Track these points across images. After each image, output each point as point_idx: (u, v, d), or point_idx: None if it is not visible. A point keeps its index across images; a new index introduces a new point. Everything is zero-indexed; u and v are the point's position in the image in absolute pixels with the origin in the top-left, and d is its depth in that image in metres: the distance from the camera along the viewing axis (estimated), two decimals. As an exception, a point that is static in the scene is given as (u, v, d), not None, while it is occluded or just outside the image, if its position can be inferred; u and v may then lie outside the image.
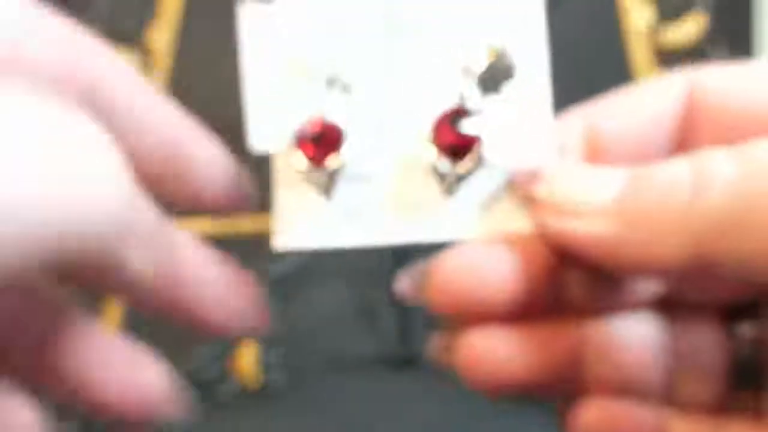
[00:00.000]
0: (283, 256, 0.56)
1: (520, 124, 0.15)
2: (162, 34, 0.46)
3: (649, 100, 0.15)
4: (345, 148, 0.14)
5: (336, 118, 0.14)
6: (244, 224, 0.52)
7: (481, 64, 0.14)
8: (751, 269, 0.11)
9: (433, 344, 0.16)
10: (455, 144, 0.14)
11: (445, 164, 0.14)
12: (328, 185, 0.15)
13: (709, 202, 0.11)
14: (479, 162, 0.14)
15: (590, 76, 0.92)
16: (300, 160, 0.14)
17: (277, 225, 0.16)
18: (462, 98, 0.14)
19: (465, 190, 0.15)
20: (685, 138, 0.15)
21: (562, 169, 0.14)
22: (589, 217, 0.12)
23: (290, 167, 0.15)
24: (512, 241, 0.14)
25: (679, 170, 0.12)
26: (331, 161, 0.14)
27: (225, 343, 0.53)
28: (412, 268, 0.15)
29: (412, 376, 0.62)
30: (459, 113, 0.14)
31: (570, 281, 0.14)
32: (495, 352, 0.14)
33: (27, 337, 0.13)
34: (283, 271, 0.55)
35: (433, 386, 0.60)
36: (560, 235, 0.13)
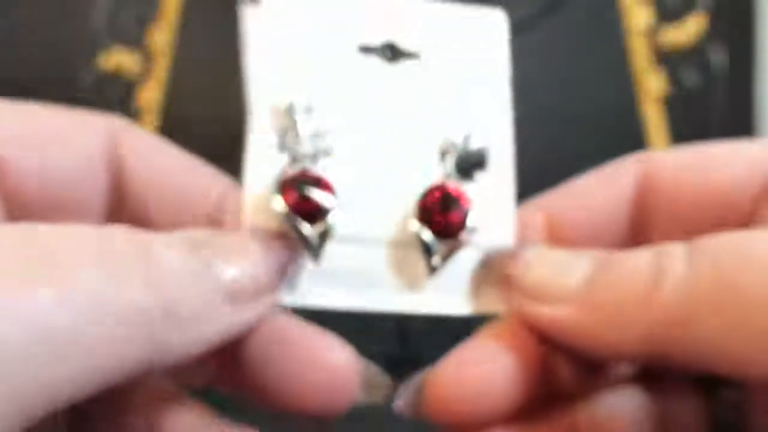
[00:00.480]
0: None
1: (487, 208, 0.16)
2: (162, 34, 0.46)
3: (605, 186, 0.16)
4: (333, 213, 0.15)
5: (328, 177, 0.15)
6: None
7: (456, 151, 0.16)
8: (699, 362, 0.12)
9: None
10: (444, 225, 0.15)
11: (432, 242, 0.15)
12: (316, 247, 0.15)
13: (660, 299, 0.12)
14: (463, 242, 0.15)
15: (591, 77, 0.92)
16: (280, 205, 0.14)
17: None
18: (444, 178, 0.15)
19: (449, 266, 0.15)
20: (640, 221, 0.16)
21: (533, 252, 0.14)
22: (555, 303, 0.13)
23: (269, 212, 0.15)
24: (499, 335, 0.14)
25: (638, 264, 0.12)
26: (319, 225, 0.15)
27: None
28: (407, 385, 0.16)
29: (412, 372, 0.62)
30: (445, 195, 0.15)
31: (557, 365, 0.14)
32: None
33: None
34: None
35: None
36: (532, 318, 0.14)
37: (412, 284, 0.16)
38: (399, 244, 0.16)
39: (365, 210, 0.15)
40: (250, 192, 0.15)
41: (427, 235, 0.15)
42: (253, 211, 0.15)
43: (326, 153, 0.15)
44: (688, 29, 0.42)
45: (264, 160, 0.15)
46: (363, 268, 0.16)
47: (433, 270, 0.15)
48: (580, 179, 0.17)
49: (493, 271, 0.15)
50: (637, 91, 0.44)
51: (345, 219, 0.15)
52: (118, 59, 0.43)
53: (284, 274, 0.14)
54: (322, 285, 0.16)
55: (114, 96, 0.44)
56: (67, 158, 0.14)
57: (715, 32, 0.43)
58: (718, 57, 0.41)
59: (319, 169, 0.15)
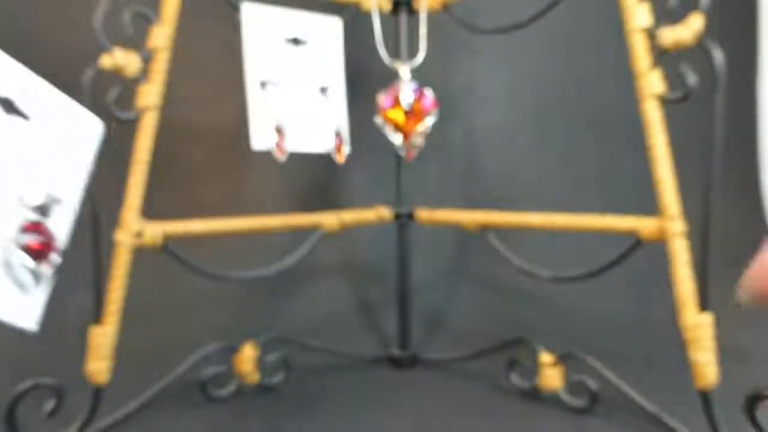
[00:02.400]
0: (283, 255, 0.56)
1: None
2: (162, 35, 0.46)
3: None
4: None
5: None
6: (240, 224, 0.52)
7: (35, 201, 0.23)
8: None
9: None
10: (37, 249, 0.21)
11: (29, 263, 0.21)
12: None
13: None
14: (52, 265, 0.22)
15: (591, 76, 0.91)
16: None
17: None
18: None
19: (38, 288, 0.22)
20: None
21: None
22: None
23: None
24: None
25: None
26: None
27: (225, 343, 0.53)
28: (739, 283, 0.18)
29: (411, 376, 0.62)
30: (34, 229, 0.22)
31: None
32: None
33: None
34: (283, 270, 0.55)
35: (432, 385, 0.60)
36: None
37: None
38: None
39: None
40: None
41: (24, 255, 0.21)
42: None
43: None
44: (689, 28, 0.42)
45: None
46: None
47: (22, 285, 0.22)
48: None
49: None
50: (636, 90, 0.44)
51: None
52: (118, 59, 0.43)
53: None
54: None
55: (114, 96, 0.44)
56: None
57: (715, 32, 0.43)
58: (719, 56, 0.41)
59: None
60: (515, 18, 0.55)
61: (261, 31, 0.50)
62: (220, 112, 0.74)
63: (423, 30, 0.56)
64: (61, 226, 0.23)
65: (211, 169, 0.77)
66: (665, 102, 0.43)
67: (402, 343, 0.63)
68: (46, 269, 0.21)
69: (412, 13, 0.60)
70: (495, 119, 0.88)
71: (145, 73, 0.46)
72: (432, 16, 0.58)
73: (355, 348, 0.64)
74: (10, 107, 0.21)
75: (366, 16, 0.57)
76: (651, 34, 0.43)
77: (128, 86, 0.45)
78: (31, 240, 0.21)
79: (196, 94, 0.73)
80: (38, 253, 0.21)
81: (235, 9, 0.50)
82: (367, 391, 0.55)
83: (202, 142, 0.76)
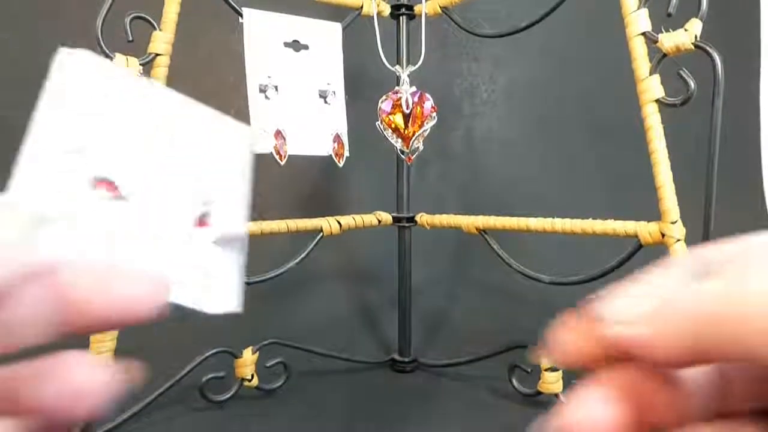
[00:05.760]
0: (283, 259, 0.56)
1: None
2: (162, 40, 0.46)
3: None
4: None
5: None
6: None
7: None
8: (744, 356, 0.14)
9: None
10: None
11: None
12: None
13: (702, 316, 0.15)
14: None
15: (591, 78, 0.91)
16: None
17: None
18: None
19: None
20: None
21: (618, 292, 0.17)
22: (632, 324, 0.16)
23: None
24: (600, 382, 0.17)
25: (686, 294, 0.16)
26: None
27: (225, 347, 0.53)
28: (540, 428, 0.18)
29: (412, 380, 0.62)
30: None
31: (656, 403, 0.17)
32: None
33: None
34: (284, 271, 0.55)
35: (432, 390, 0.60)
36: (614, 339, 0.17)
37: None
38: None
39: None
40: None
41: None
42: None
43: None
44: (688, 32, 0.42)
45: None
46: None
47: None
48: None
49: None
50: (637, 93, 0.44)
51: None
52: (119, 62, 0.43)
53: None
54: None
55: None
56: None
57: (714, 35, 0.43)
58: (718, 59, 0.41)
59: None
60: (515, 22, 0.55)
61: (262, 36, 0.50)
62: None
63: (423, 34, 0.56)
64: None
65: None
66: (665, 106, 0.43)
67: (402, 348, 0.63)
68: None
69: (412, 17, 0.60)
70: (495, 123, 0.88)
71: (145, 75, 0.46)
72: (432, 20, 0.58)
73: (356, 352, 0.64)
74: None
75: (366, 21, 0.57)
76: (651, 39, 0.43)
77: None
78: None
79: (196, 97, 0.73)
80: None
81: (238, 14, 0.50)
82: (367, 395, 0.55)
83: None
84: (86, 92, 0.19)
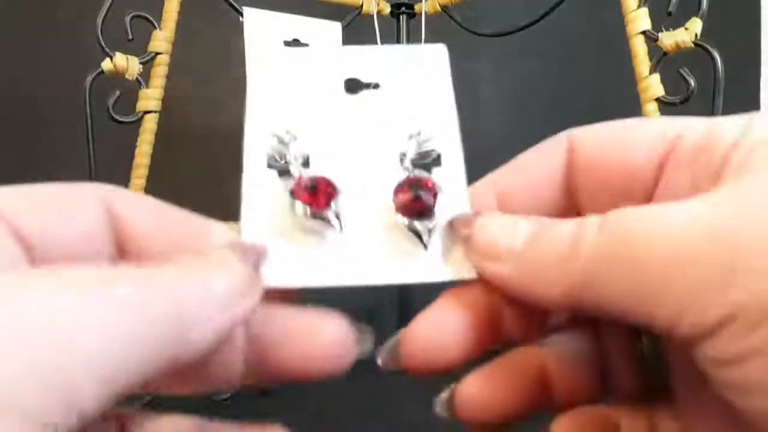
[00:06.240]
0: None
1: (446, 193, 0.19)
2: (162, 39, 0.46)
3: (542, 162, 0.19)
4: (338, 200, 0.18)
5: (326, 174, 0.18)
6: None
7: (412, 153, 0.19)
8: (610, 313, 0.14)
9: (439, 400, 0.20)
10: (420, 208, 0.18)
11: (418, 224, 0.18)
12: (323, 230, 0.18)
13: (576, 263, 0.15)
14: (435, 218, 0.18)
15: (591, 77, 0.91)
16: (300, 207, 0.18)
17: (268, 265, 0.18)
18: (407, 170, 0.19)
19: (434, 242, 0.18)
20: (572, 190, 0.19)
21: (486, 216, 0.17)
22: (500, 261, 0.16)
23: (283, 216, 0.18)
24: (454, 295, 0.17)
25: (561, 232, 0.15)
26: (330, 209, 0.18)
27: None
28: (386, 344, 0.19)
29: (411, 381, 0.62)
30: (413, 183, 0.18)
31: (506, 319, 0.17)
32: (480, 394, 0.18)
33: None
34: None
35: (433, 390, 0.60)
36: (482, 273, 0.17)
37: (405, 260, 0.18)
38: (385, 231, 0.18)
39: (356, 200, 0.19)
40: (247, 203, 0.19)
41: (414, 222, 0.18)
42: (256, 225, 0.19)
43: (306, 168, 0.19)
44: (689, 31, 0.42)
45: (257, 177, 0.19)
46: (362, 253, 0.19)
47: (426, 247, 0.18)
48: (522, 156, 0.20)
49: (453, 236, 0.18)
50: (637, 93, 0.44)
51: (343, 208, 0.18)
52: (119, 62, 0.43)
53: (258, 272, 0.16)
54: (332, 268, 0.19)
55: (115, 98, 0.44)
56: (73, 229, 0.16)
57: (714, 34, 0.43)
58: (718, 58, 0.41)
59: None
60: (515, 21, 0.55)
61: (262, 36, 0.50)
62: (220, 114, 0.75)
63: (423, 33, 0.56)
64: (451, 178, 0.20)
65: (212, 172, 0.77)
66: (665, 105, 0.43)
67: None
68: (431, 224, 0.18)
69: (413, 16, 0.60)
70: (496, 122, 0.88)
71: (145, 77, 0.46)
72: (432, 19, 0.58)
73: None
74: (357, 85, 0.20)
75: (366, 20, 0.57)
76: (651, 38, 0.43)
77: (129, 90, 0.45)
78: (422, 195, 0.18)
79: (196, 97, 0.73)
80: (425, 211, 0.18)
81: (238, 13, 0.50)
82: (367, 395, 0.55)
83: (203, 145, 0.76)
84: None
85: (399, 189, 0.18)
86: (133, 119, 0.46)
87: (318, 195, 0.18)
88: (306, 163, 0.19)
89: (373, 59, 0.21)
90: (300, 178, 0.18)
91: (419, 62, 0.21)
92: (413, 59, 0.21)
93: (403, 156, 0.19)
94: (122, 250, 0.16)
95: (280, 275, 0.18)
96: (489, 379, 0.18)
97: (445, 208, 0.18)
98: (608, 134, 0.18)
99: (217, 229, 0.18)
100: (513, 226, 0.16)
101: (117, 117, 0.44)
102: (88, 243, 0.16)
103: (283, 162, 0.19)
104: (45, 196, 0.16)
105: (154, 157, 0.47)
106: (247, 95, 0.20)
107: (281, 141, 0.19)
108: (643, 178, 0.17)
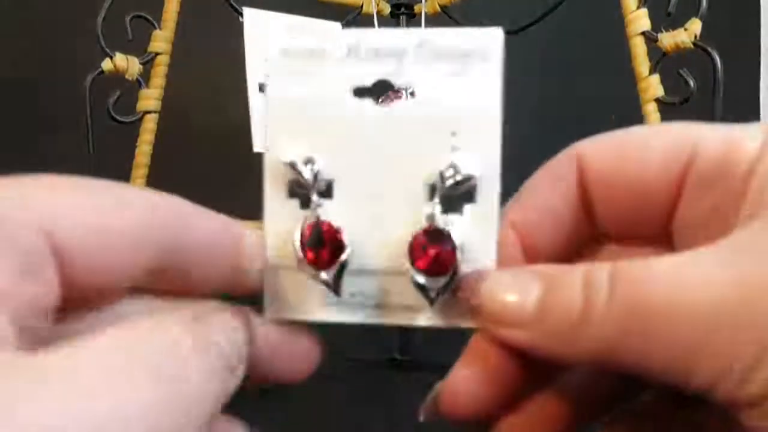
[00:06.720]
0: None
1: (473, 236, 0.17)
2: (163, 38, 0.46)
3: (555, 188, 0.19)
4: (346, 253, 0.17)
5: (332, 219, 0.17)
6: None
7: (444, 186, 0.17)
8: (643, 377, 0.14)
9: None
10: (432, 268, 0.17)
11: (426, 282, 0.17)
12: (336, 281, 0.17)
13: (590, 330, 0.14)
14: (454, 274, 0.17)
15: (591, 78, 0.91)
16: (310, 271, 0.17)
17: (271, 302, 0.18)
18: (430, 218, 0.17)
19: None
20: (585, 203, 0.18)
21: (491, 281, 0.16)
22: (514, 327, 0.16)
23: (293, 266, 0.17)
24: (471, 351, 0.18)
25: (572, 295, 0.15)
26: (331, 270, 0.17)
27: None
28: (427, 399, 0.19)
29: (413, 379, 0.62)
30: (431, 235, 0.17)
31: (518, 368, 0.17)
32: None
33: None
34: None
35: (431, 387, 0.60)
36: (497, 337, 0.17)
37: (412, 305, 0.18)
38: (397, 273, 0.17)
39: (366, 246, 0.17)
40: (271, 237, 0.18)
41: (420, 278, 0.17)
42: (273, 254, 0.18)
43: (328, 196, 0.17)
44: (688, 32, 0.42)
45: (278, 209, 0.18)
46: (369, 293, 0.18)
47: (431, 303, 0.17)
48: (531, 182, 0.19)
49: (463, 300, 0.17)
50: (637, 93, 0.44)
51: (350, 255, 0.17)
52: (119, 62, 0.43)
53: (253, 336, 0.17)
54: (338, 306, 0.18)
55: (115, 98, 0.44)
56: (115, 239, 0.15)
57: (714, 34, 0.43)
58: (718, 59, 0.41)
59: (325, 211, 0.17)
60: (515, 21, 0.55)
61: (262, 36, 0.50)
62: (220, 114, 0.75)
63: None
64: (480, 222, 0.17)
65: (212, 172, 0.78)
66: (665, 105, 0.43)
67: (403, 347, 0.63)
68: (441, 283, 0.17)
69: (413, 17, 0.60)
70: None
71: (145, 77, 0.46)
72: (432, 19, 0.58)
73: (356, 351, 0.64)
74: (389, 89, 0.18)
75: (366, 20, 0.57)
76: (651, 39, 0.43)
77: (129, 90, 0.45)
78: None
79: (196, 97, 0.73)
80: (437, 269, 0.17)
81: (238, 13, 0.50)
82: (367, 394, 0.55)
83: (203, 144, 0.76)
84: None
85: (415, 243, 0.17)
86: (133, 119, 0.46)
87: (321, 253, 0.17)
88: (327, 192, 0.17)
89: (408, 53, 0.17)
90: (309, 226, 0.17)
91: (467, 57, 0.17)
92: (461, 50, 0.17)
93: (433, 189, 0.17)
94: (162, 260, 0.16)
95: (285, 308, 0.18)
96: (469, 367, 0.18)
97: (466, 261, 0.17)
98: (617, 151, 0.18)
99: (248, 240, 0.17)
100: (522, 291, 0.16)
101: (117, 117, 0.44)
102: (129, 260, 0.15)
103: (303, 191, 0.17)
104: (91, 211, 0.14)
105: (154, 157, 0.47)
106: (267, 110, 0.18)
107: (298, 168, 0.17)
108: (658, 197, 0.17)
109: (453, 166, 0.17)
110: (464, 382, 0.17)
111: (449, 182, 0.17)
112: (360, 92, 0.17)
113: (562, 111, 0.92)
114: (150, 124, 0.46)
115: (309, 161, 0.17)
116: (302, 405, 0.53)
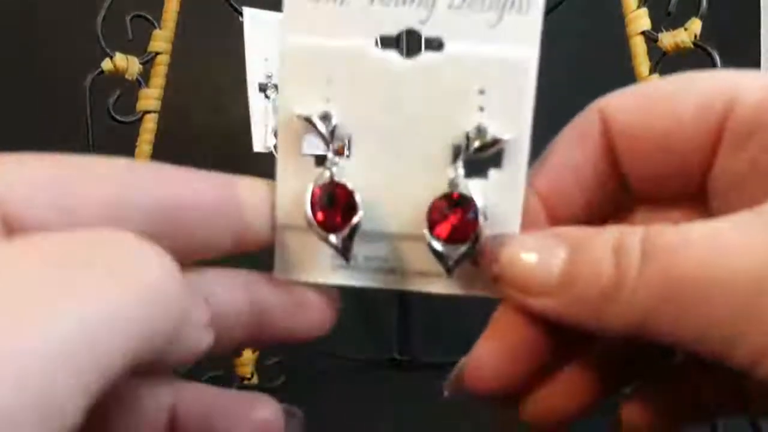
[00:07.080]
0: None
1: (497, 201, 0.16)
2: (162, 38, 0.46)
3: (578, 150, 0.17)
4: (358, 216, 0.16)
5: (345, 179, 0.16)
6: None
7: (469, 149, 0.16)
8: (682, 349, 0.14)
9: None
10: (451, 236, 0.16)
11: (444, 250, 0.16)
12: (346, 245, 0.16)
13: (622, 299, 0.14)
14: (474, 242, 0.16)
15: (591, 78, 0.91)
16: (320, 233, 0.16)
17: (281, 262, 0.18)
18: (452, 184, 0.16)
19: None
20: (614, 165, 0.17)
21: (511, 246, 0.15)
22: (539, 296, 0.15)
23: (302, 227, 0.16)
24: (494, 324, 0.17)
25: (600, 263, 0.14)
26: (342, 233, 0.16)
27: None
28: (451, 375, 0.19)
29: (412, 379, 0.62)
30: (453, 201, 0.16)
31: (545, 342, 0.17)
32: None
33: None
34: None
35: (433, 389, 0.60)
36: (521, 305, 0.16)
37: (428, 272, 0.17)
38: (415, 238, 0.16)
39: (383, 208, 0.16)
40: (282, 195, 0.17)
41: (438, 245, 0.16)
42: (284, 213, 0.17)
43: (345, 155, 0.16)
44: (688, 31, 0.42)
45: (290, 165, 0.17)
46: (384, 257, 0.17)
47: (449, 272, 0.16)
48: (554, 145, 0.18)
49: (484, 268, 0.17)
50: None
51: (365, 217, 0.16)
52: (119, 62, 0.44)
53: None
54: (350, 270, 0.18)
55: (115, 98, 0.44)
56: (81, 211, 0.15)
57: (714, 34, 0.43)
58: (718, 59, 0.41)
59: (341, 170, 0.16)
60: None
61: (262, 36, 0.50)
62: (220, 114, 0.75)
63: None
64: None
65: (212, 172, 0.77)
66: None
67: (402, 346, 0.63)
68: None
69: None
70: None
71: (145, 77, 0.46)
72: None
73: (355, 351, 0.64)
74: (416, 40, 0.16)
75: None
76: (651, 38, 0.43)
77: (129, 90, 0.45)
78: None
79: (196, 97, 0.73)
80: (456, 236, 0.16)
81: (238, 13, 0.50)
82: (366, 394, 0.55)
83: (203, 144, 0.76)
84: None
85: (435, 209, 0.16)
86: (133, 119, 0.46)
87: (333, 215, 0.16)
88: (343, 149, 0.16)
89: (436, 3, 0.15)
90: (320, 186, 0.16)
91: (504, 8, 0.15)
92: (494, 11, 0.15)
93: (457, 151, 0.16)
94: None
95: (295, 269, 0.18)
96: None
97: (489, 228, 0.16)
98: (645, 101, 0.16)
99: (252, 198, 0.17)
100: (546, 255, 0.15)
101: (117, 117, 0.44)
102: None
103: (318, 147, 0.16)
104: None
105: (154, 157, 0.47)
106: (279, 63, 0.16)
107: (313, 122, 0.16)
108: (692, 151, 0.15)
109: (480, 127, 0.16)
110: (488, 355, 0.17)
111: (475, 144, 0.16)
112: (384, 42, 0.16)
113: (562, 111, 0.92)
114: (150, 124, 0.46)
115: (326, 116, 0.16)
116: (302, 405, 0.53)
